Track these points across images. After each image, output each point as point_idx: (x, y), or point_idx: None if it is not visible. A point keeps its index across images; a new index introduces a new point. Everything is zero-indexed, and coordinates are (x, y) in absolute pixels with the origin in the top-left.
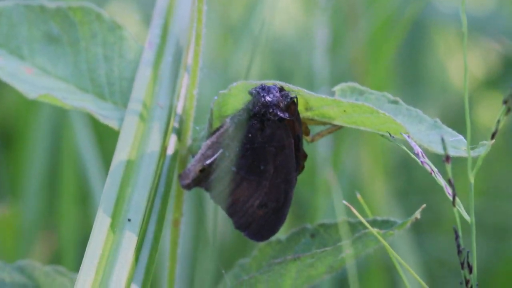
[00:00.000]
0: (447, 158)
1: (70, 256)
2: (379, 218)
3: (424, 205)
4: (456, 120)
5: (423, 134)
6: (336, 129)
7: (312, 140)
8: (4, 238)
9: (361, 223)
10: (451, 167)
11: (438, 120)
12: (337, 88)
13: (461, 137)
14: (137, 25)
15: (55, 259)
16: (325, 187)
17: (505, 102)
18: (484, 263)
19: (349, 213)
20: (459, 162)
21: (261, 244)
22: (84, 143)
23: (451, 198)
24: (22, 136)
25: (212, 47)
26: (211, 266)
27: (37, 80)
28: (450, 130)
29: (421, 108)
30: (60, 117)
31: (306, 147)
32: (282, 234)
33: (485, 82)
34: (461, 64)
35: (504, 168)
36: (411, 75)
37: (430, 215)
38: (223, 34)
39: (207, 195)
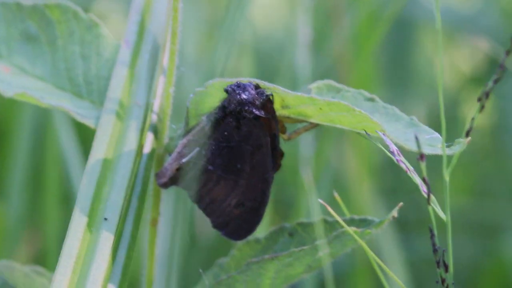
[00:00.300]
0: (421, 156)
1: (54, 255)
2: (356, 217)
3: (401, 204)
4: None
5: (399, 132)
6: (313, 127)
7: (289, 138)
8: None
9: (339, 222)
10: (431, 167)
11: (414, 118)
12: (313, 85)
13: (437, 134)
14: (123, 23)
15: (40, 258)
16: (307, 185)
17: (479, 99)
18: (472, 262)
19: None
20: (440, 160)
21: (240, 243)
22: (67, 142)
23: (426, 196)
24: (6, 135)
25: (196, 45)
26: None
27: (14, 79)
28: (426, 128)
29: (409, 105)
30: (44, 116)
31: (289, 144)
32: (262, 233)
33: (472, 79)
34: (449, 61)
35: (492, 167)
36: (398, 73)
37: (417, 214)
38: (207, 32)
39: (185, 193)
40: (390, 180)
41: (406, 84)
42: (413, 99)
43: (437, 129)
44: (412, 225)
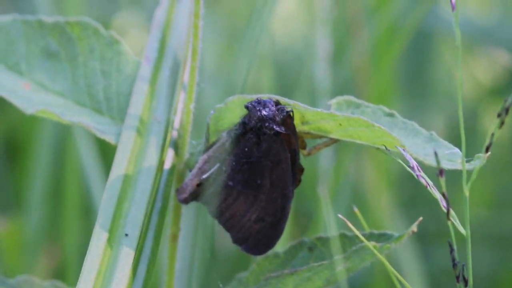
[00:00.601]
0: (441, 171)
1: (74, 269)
2: (375, 231)
3: (421, 218)
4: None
5: (419, 147)
6: (333, 142)
7: (309, 154)
8: (8, 251)
9: (358, 236)
10: (450, 180)
11: (434, 133)
12: (333, 101)
13: (456, 150)
14: (142, 38)
15: (59, 272)
16: (325, 200)
17: (499, 115)
18: (491, 273)
19: (353, 226)
20: (459, 173)
21: (259, 258)
22: (87, 156)
23: (445, 211)
24: (27, 149)
25: (215, 59)
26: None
27: (35, 96)
28: (445, 143)
29: (428, 117)
30: (64, 131)
31: (309, 158)
32: (281, 247)
33: (492, 91)
34: (468, 73)
35: (511, 178)
36: (417, 85)
37: (436, 226)
38: (227, 46)
39: (205, 209)
40: (409, 192)
41: (425, 96)
42: (432, 111)
43: (457, 141)
44: (431, 237)
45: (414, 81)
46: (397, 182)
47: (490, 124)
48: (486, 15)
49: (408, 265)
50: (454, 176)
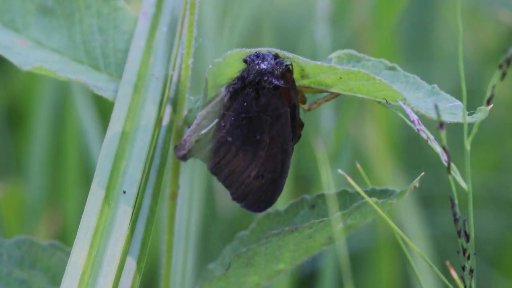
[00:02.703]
0: (441, 124)
1: (75, 233)
2: (377, 188)
3: (422, 174)
4: (468, 92)
5: (420, 100)
6: (333, 97)
7: (309, 109)
8: (8, 215)
9: (360, 193)
10: (454, 138)
11: (436, 86)
12: (333, 55)
13: (458, 102)
14: None
15: (61, 236)
16: (329, 159)
17: (500, 67)
18: (497, 237)
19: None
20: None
21: (260, 216)
22: (86, 118)
23: (446, 165)
24: (27, 114)
25: (215, 15)
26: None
27: (31, 53)
28: (448, 96)
29: (432, 80)
30: (63, 94)
31: (309, 116)
32: (282, 206)
33: (498, 53)
34: (473, 36)
35: None
36: (421, 47)
37: (441, 189)
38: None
39: (204, 165)
40: (414, 154)
41: (429, 58)
42: (436, 73)
43: (461, 100)
44: (436, 200)
45: (417, 43)
46: (401, 144)
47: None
48: None
49: (412, 229)
50: (458, 136)
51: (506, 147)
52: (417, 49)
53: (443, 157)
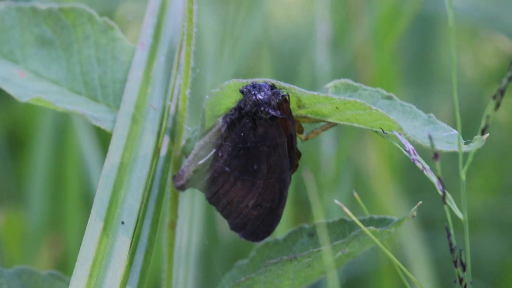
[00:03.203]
0: (436, 155)
1: (76, 259)
2: (375, 216)
3: (420, 202)
4: (468, 113)
5: (417, 130)
6: (330, 126)
7: (307, 138)
8: (10, 241)
9: (360, 221)
10: (454, 164)
11: (432, 115)
12: (330, 84)
13: (455, 132)
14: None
15: (62, 262)
16: (329, 185)
17: (494, 97)
18: (499, 259)
19: (355, 212)
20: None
21: (259, 245)
22: (87, 146)
23: (441, 194)
24: (28, 141)
25: (213, 46)
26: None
27: (30, 84)
28: (444, 125)
29: (433, 102)
30: (63, 121)
31: (309, 144)
32: (281, 234)
33: (498, 75)
34: (473, 57)
35: None
36: (421, 69)
37: (443, 213)
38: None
39: (202, 196)
40: (415, 178)
41: (430, 80)
42: (437, 96)
43: (462, 125)
44: (438, 224)
45: (418, 65)
46: (402, 168)
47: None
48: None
49: (414, 253)
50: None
51: (508, 169)
52: (417, 71)
53: (439, 187)
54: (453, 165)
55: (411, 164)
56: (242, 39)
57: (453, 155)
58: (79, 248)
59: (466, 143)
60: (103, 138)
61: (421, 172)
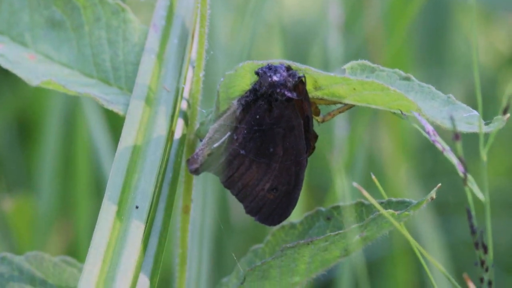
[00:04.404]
0: (456, 135)
1: (86, 246)
2: (394, 199)
3: (439, 185)
4: (482, 98)
5: (436, 110)
6: (347, 108)
7: (323, 121)
8: (20, 228)
9: (376, 206)
10: (472, 147)
11: (451, 96)
12: (347, 66)
13: (475, 112)
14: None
15: (72, 248)
16: (343, 168)
17: None
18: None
19: (370, 194)
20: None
21: (275, 229)
22: (97, 130)
23: (462, 176)
24: (38, 127)
25: (227, 28)
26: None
27: (40, 67)
28: (464, 105)
29: (446, 86)
30: (73, 105)
31: (322, 127)
32: (298, 218)
33: (511, 59)
34: (487, 42)
35: None
36: (435, 53)
37: (457, 196)
38: (239, 15)
39: (217, 179)
40: (429, 162)
41: (443, 64)
42: (451, 80)
43: (476, 108)
44: (452, 208)
45: (431, 49)
46: (416, 152)
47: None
48: None
49: (428, 237)
50: (474, 144)
51: None
52: (430, 55)
53: (460, 168)
54: (467, 146)
55: (424, 148)
56: (254, 23)
57: (467, 138)
58: (89, 234)
59: (486, 124)
60: (113, 123)
61: (433, 155)
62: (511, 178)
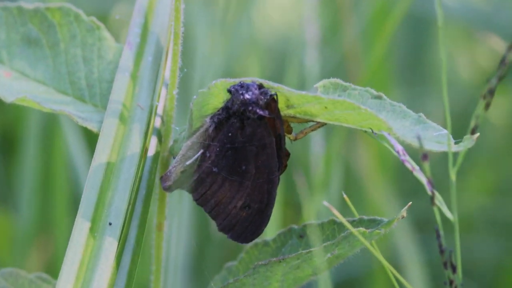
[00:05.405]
0: (425, 155)
1: None
2: (365, 217)
3: (410, 203)
4: (464, 115)
5: (407, 129)
6: (320, 126)
7: (296, 139)
8: None
9: (350, 222)
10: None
11: (422, 115)
12: (319, 84)
13: (445, 131)
14: None
15: (51, 265)
16: (319, 186)
17: (483, 97)
18: (495, 260)
19: (346, 212)
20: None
21: (248, 246)
22: (75, 147)
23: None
24: (14, 143)
25: (207, 45)
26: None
27: (15, 84)
28: (434, 124)
29: (427, 103)
30: (51, 122)
31: (299, 144)
32: (271, 236)
33: (492, 76)
34: (469, 58)
35: None
36: (415, 71)
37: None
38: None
39: (190, 196)
40: (410, 179)
41: (423, 81)
42: (431, 97)
43: (457, 126)
44: (432, 226)
45: (411, 66)
46: (395, 169)
47: (491, 108)
48: (486, 1)
49: (407, 254)
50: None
51: (503, 170)
52: (410, 72)
53: (428, 188)
54: (446, 166)
55: (404, 165)
56: (232, 39)
57: (447, 156)
58: None
59: (456, 143)
60: (91, 139)
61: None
62: (494, 196)
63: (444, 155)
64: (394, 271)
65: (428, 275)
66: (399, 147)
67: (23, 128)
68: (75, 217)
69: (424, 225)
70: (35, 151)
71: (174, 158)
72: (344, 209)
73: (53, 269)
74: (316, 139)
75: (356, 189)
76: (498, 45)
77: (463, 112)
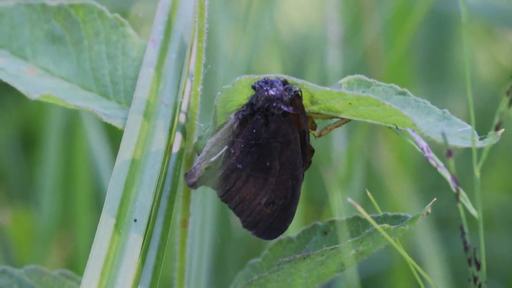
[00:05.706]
0: (449, 152)
1: (86, 258)
2: (389, 213)
3: (435, 199)
4: (484, 112)
5: (431, 125)
6: (344, 122)
7: (320, 135)
8: (20, 241)
9: (374, 219)
10: (467, 155)
11: (447, 111)
12: (343, 80)
13: (469, 127)
14: None
15: (72, 261)
16: (341, 183)
17: (507, 93)
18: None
19: (368, 209)
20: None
21: (272, 243)
22: (97, 143)
23: (455, 191)
24: (40, 140)
25: (226, 42)
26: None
27: (39, 81)
28: (459, 121)
29: (449, 101)
30: (73, 118)
31: (321, 140)
32: (295, 232)
33: None
34: (489, 56)
35: None
36: (437, 68)
37: (458, 211)
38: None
39: (215, 193)
40: (431, 176)
41: (445, 78)
42: (452, 95)
43: (478, 124)
44: (453, 223)
45: (432, 64)
46: (417, 165)
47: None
48: None
49: (428, 251)
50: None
51: None
52: (432, 70)
53: (453, 185)
54: (468, 163)
55: (426, 161)
56: (254, 37)
57: (469, 153)
58: (89, 247)
59: (480, 139)
60: (113, 136)
61: (435, 169)
62: (510, 193)
63: (466, 152)
64: (418, 268)
65: (449, 272)
66: (424, 144)
67: (44, 124)
68: (96, 213)
69: (445, 222)
70: (56, 148)
71: (198, 154)
72: (366, 206)
73: (73, 265)
74: (338, 136)
75: (377, 186)
76: None
77: (484, 110)
